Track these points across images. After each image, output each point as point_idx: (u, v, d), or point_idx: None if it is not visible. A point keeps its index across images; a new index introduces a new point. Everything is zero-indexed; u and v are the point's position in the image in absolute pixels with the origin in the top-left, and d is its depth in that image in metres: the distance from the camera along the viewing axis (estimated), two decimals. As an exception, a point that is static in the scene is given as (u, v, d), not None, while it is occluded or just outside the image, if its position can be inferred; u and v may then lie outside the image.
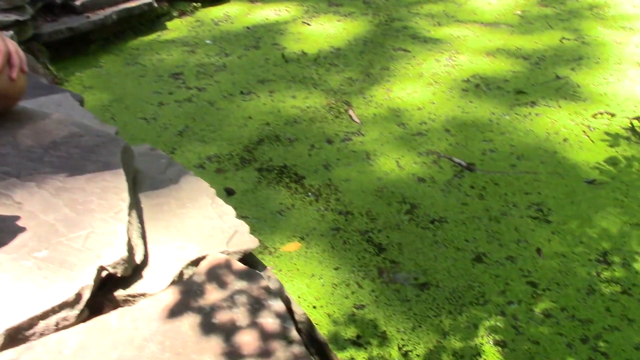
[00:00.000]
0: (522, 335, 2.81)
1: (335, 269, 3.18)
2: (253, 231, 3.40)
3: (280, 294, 2.24)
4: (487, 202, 3.64)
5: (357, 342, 2.79)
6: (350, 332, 2.84)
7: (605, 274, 3.13)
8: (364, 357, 2.72)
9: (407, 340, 2.80)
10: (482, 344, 2.78)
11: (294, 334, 1.83)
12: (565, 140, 4.21)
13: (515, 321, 2.89)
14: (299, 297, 3.01)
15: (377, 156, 4.07)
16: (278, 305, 1.94)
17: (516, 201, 3.64)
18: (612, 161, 3.98)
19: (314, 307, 2.96)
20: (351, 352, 2.75)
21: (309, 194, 3.73)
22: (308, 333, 2.46)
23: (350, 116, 4.54)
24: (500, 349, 2.76)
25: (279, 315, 1.90)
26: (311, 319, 2.86)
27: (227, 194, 3.72)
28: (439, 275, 3.13)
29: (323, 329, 2.85)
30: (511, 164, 3.97)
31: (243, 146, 4.19)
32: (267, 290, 2.00)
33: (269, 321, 1.87)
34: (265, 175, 3.90)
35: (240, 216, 3.50)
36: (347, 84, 5.01)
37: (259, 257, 3.22)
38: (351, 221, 3.50)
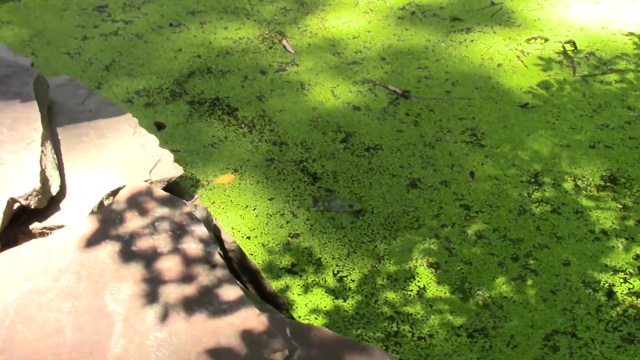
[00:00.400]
0: (455, 257, 2.85)
1: (270, 199, 3.14)
2: (185, 165, 3.33)
3: (207, 222, 2.19)
4: (422, 128, 3.63)
5: (292, 271, 2.78)
6: (285, 261, 2.82)
7: (536, 195, 3.18)
8: (299, 285, 2.71)
9: (342, 266, 2.80)
10: (416, 266, 2.80)
11: (217, 258, 1.79)
12: (499, 65, 4.21)
13: (449, 243, 2.91)
14: (232, 229, 2.96)
15: (312, 86, 3.99)
16: (201, 230, 1.89)
17: (450, 127, 3.64)
18: (545, 85, 4.01)
19: (248, 237, 2.92)
20: (286, 280, 2.73)
21: (243, 125, 3.64)
22: (239, 261, 2.43)
23: (284, 46, 4.42)
24: (433, 270, 2.79)
25: (202, 240, 1.85)
26: (246, 249, 2.83)
27: (158, 128, 3.60)
28: (373, 202, 3.13)
29: (258, 259, 2.82)
30: (446, 90, 3.95)
31: (173, 79, 4.04)
32: (190, 216, 1.94)
33: (192, 246, 1.82)
34: (197, 108, 3.78)
35: (172, 150, 3.41)
36: (281, 13, 4.86)
37: (191, 190, 3.14)
38: (285, 151, 3.44)
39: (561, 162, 3.38)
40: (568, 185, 3.23)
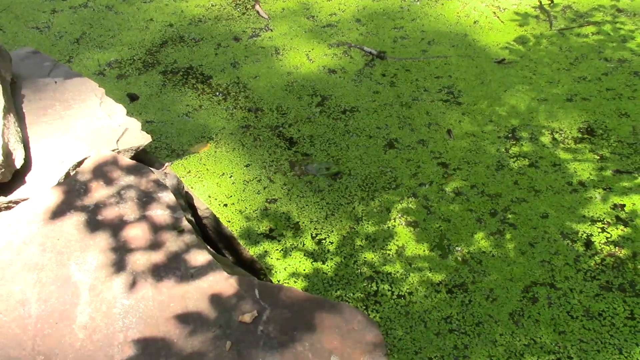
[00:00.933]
0: (434, 215, 2.83)
1: (246, 166, 3.10)
2: (160, 135, 3.28)
3: (177, 189, 2.15)
4: (399, 88, 3.59)
5: (271, 236, 2.76)
6: (263, 227, 2.80)
7: (514, 150, 3.16)
8: (277, 250, 2.69)
9: (320, 229, 2.78)
10: (394, 226, 2.79)
11: (185, 223, 1.76)
12: (475, 22, 4.15)
13: (427, 202, 2.90)
14: (209, 197, 2.93)
15: (287, 51, 3.93)
16: (168, 197, 1.85)
17: (427, 86, 3.60)
18: (522, 40, 3.96)
19: (225, 205, 2.89)
20: (265, 245, 2.71)
21: (217, 93, 3.59)
22: (214, 228, 2.40)
23: (258, 12, 4.34)
24: (412, 229, 2.77)
25: (169, 206, 1.82)
26: (223, 217, 2.80)
27: (131, 99, 3.54)
28: (351, 164, 3.10)
29: (235, 226, 2.79)
30: (422, 50, 3.90)
31: (145, 50, 3.97)
32: (157, 183, 1.90)
33: (159, 213, 1.79)
34: (170, 77, 3.72)
35: (146, 121, 3.36)
36: (254, -21, 4.78)
37: (166, 160, 3.10)
38: (261, 117, 3.40)
39: (538, 116, 3.36)
40: (545, 138, 3.22)
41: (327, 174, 3.04)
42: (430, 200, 2.90)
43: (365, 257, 2.65)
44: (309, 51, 3.92)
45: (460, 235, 2.73)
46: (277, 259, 2.66)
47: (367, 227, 2.79)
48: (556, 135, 3.23)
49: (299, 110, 3.44)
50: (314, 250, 2.69)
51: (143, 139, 2.27)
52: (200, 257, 1.66)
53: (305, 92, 3.57)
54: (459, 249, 2.68)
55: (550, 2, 4.33)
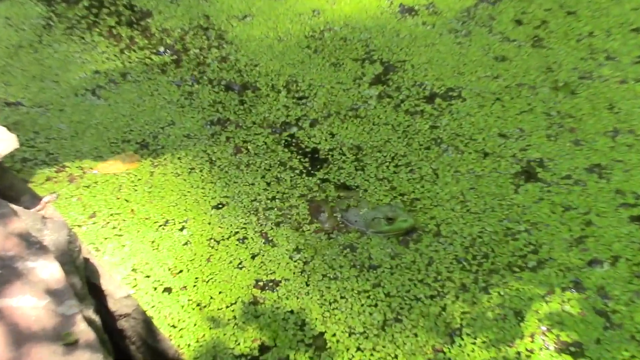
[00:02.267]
0: (619, 330, 2.77)
1: (216, 207, 3.09)
2: (34, 133, 3.29)
3: (67, 252, 2.14)
4: (551, 52, 3.59)
5: (262, 360, 2.73)
6: (246, 340, 2.75)
7: None
8: (276, 392, 2.67)
9: (369, 352, 2.73)
10: (532, 350, 2.73)
11: (82, 328, 1.73)
12: None
13: (605, 300, 2.84)
14: (133, 271, 2.90)
15: (312, -36, 3.98)
16: (49, 269, 1.83)
17: (614, 48, 3.60)
18: None
19: (168, 289, 2.86)
20: (249, 381, 2.69)
21: (161, 49, 3.62)
22: (142, 339, 2.39)
23: None
24: (571, 359, 2.73)
25: (48, 291, 1.80)
26: (160, 314, 2.78)
27: (-22, 56, 3.59)
28: (442, 211, 3.07)
29: (189, 336, 2.76)
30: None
31: (15, -48, 4.04)
32: (25, 238, 1.89)
33: (25, 304, 1.77)
34: (63, 12, 3.76)
35: (5, 103, 3.39)
36: None
37: (43, 187, 3.11)
38: (253, 104, 3.41)
39: None
40: None
41: (390, 232, 3.02)
42: (613, 297, 2.85)
43: (467, 418, 2.62)
44: (359, -33, 3.96)
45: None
46: (275, 413, 2.64)
47: (472, 349, 2.74)
48: None
49: (333, 90, 3.45)
50: (356, 397, 2.66)
51: (3, 144, 2.29)
52: (108, 405, 1.63)
53: (348, 53, 3.59)
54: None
55: None
